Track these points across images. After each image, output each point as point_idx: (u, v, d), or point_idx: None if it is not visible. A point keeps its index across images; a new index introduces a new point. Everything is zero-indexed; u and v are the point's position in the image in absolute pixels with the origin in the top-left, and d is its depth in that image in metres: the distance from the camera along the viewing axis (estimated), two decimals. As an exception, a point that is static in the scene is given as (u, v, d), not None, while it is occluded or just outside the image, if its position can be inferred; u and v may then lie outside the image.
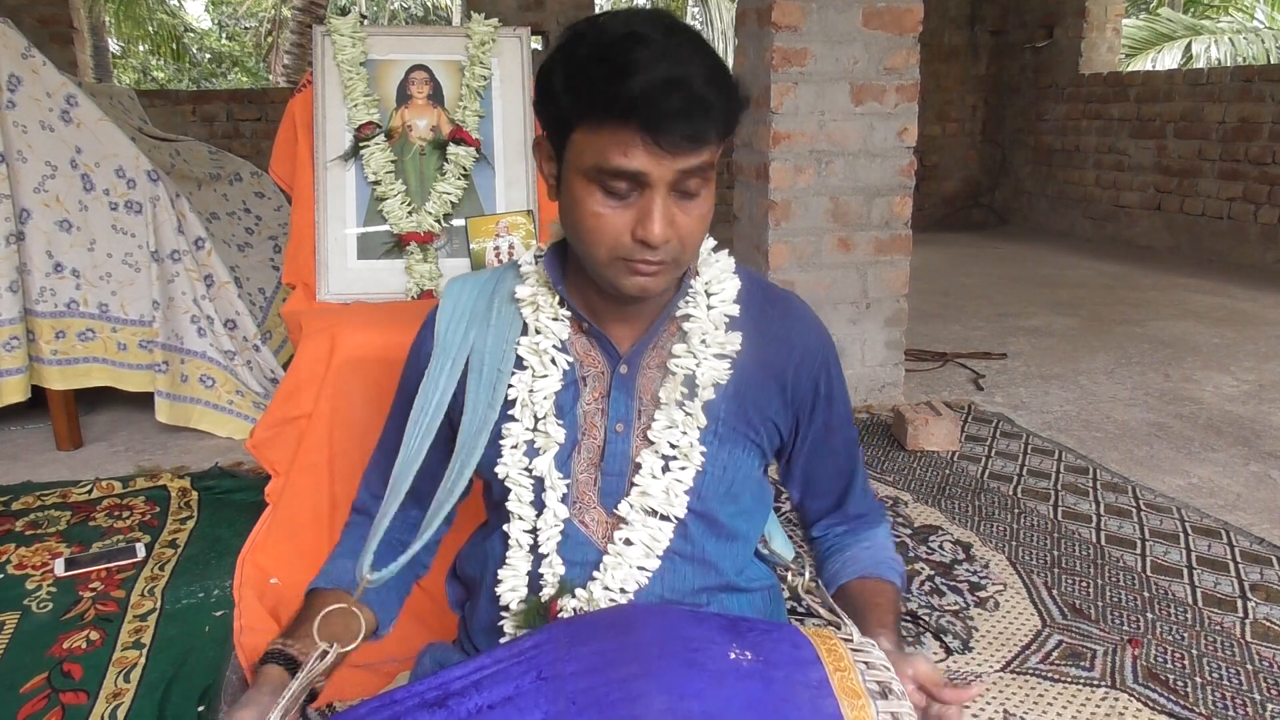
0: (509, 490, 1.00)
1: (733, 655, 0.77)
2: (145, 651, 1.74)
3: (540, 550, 0.99)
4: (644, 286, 0.91)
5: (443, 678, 0.78)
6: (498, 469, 0.99)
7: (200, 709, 1.57)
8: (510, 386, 0.99)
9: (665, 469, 0.98)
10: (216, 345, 2.85)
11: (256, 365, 2.93)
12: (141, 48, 16.64)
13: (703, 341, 0.98)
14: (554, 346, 0.98)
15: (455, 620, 1.17)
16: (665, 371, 0.99)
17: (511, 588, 1.01)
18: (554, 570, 0.98)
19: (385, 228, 1.98)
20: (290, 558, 1.82)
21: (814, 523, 1.15)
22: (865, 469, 1.15)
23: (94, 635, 1.80)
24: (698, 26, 19.46)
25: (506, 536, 1.01)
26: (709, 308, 0.99)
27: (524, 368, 0.99)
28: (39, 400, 2.80)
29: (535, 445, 0.99)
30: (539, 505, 0.99)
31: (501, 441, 0.99)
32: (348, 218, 1.98)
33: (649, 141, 0.83)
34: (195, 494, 2.48)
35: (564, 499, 0.99)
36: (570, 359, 0.99)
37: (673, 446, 0.97)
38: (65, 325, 2.79)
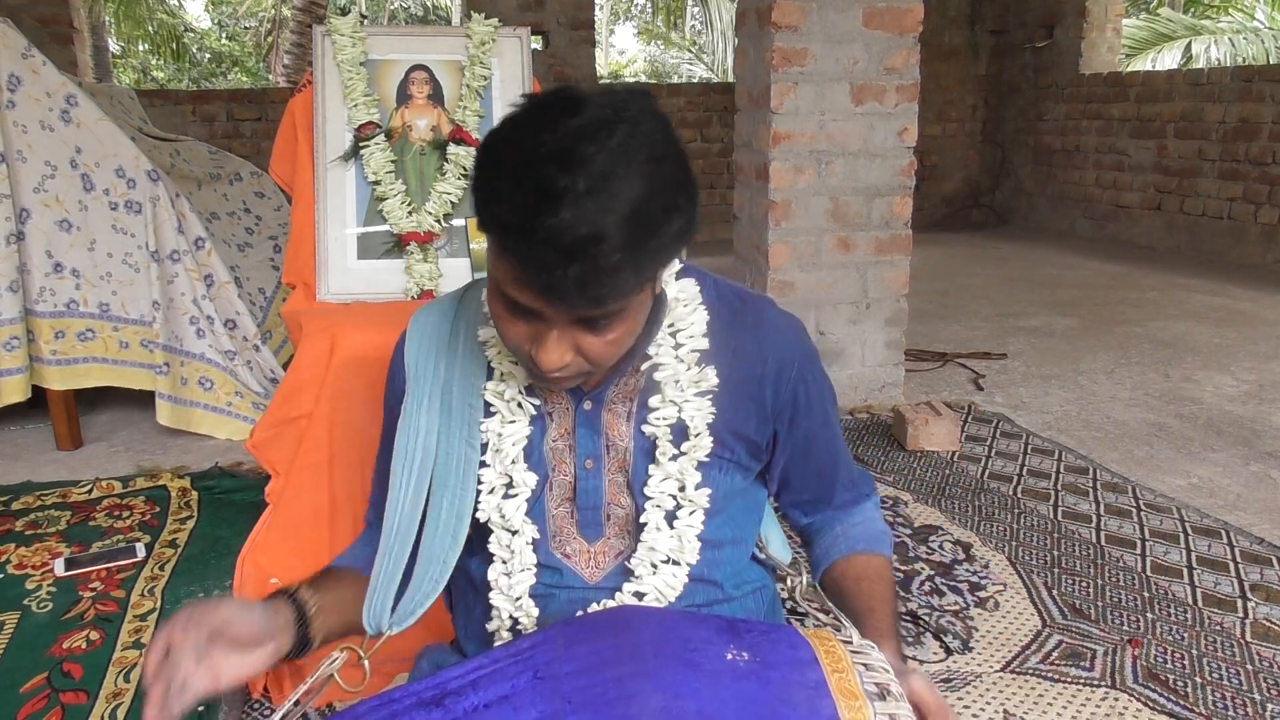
0: (490, 533, 0.97)
1: (730, 656, 0.77)
2: (145, 651, 1.74)
3: (513, 594, 0.97)
4: (557, 387, 0.89)
5: (440, 678, 0.78)
6: (479, 514, 0.97)
7: (200, 709, 1.58)
8: (482, 429, 0.96)
9: (670, 521, 0.96)
10: (216, 346, 2.85)
11: (256, 365, 2.93)
12: (141, 48, 16.66)
13: (678, 385, 0.94)
14: (520, 392, 0.95)
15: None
16: (631, 406, 0.96)
17: (495, 629, 0.99)
18: (528, 613, 0.97)
19: (385, 228, 1.98)
20: (290, 558, 1.82)
21: (801, 515, 1.13)
22: (850, 457, 1.12)
23: (94, 635, 1.80)
24: (697, 27, 18.76)
25: (487, 576, 0.98)
26: (676, 346, 0.95)
27: (492, 413, 0.96)
28: (39, 400, 2.80)
29: (509, 489, 0.97)
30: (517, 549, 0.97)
31: (479, 486, 0.96)
32: (348, 218, 1.98)
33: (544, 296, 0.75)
34: (195, 494, 2.48)
35: (539, 539, 0.97)
36: (536, 400, 0.96)
37: (673, 497, 0.95)
38: (65, 325, 2.79)
